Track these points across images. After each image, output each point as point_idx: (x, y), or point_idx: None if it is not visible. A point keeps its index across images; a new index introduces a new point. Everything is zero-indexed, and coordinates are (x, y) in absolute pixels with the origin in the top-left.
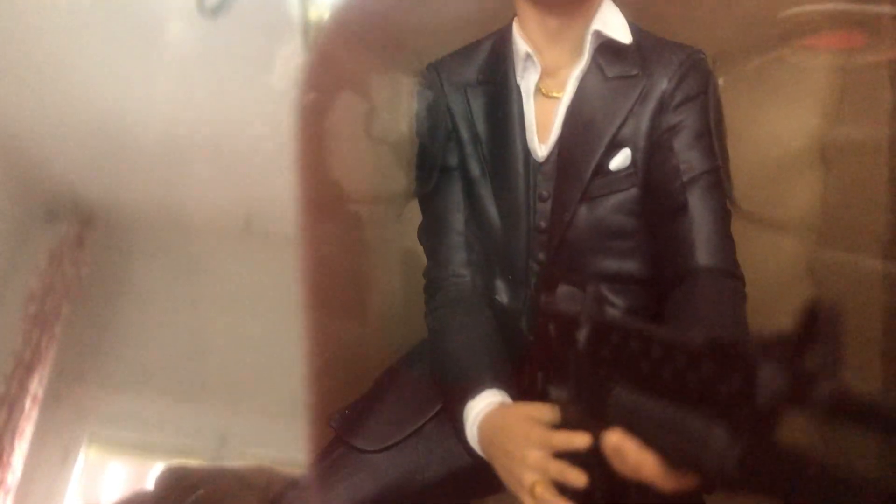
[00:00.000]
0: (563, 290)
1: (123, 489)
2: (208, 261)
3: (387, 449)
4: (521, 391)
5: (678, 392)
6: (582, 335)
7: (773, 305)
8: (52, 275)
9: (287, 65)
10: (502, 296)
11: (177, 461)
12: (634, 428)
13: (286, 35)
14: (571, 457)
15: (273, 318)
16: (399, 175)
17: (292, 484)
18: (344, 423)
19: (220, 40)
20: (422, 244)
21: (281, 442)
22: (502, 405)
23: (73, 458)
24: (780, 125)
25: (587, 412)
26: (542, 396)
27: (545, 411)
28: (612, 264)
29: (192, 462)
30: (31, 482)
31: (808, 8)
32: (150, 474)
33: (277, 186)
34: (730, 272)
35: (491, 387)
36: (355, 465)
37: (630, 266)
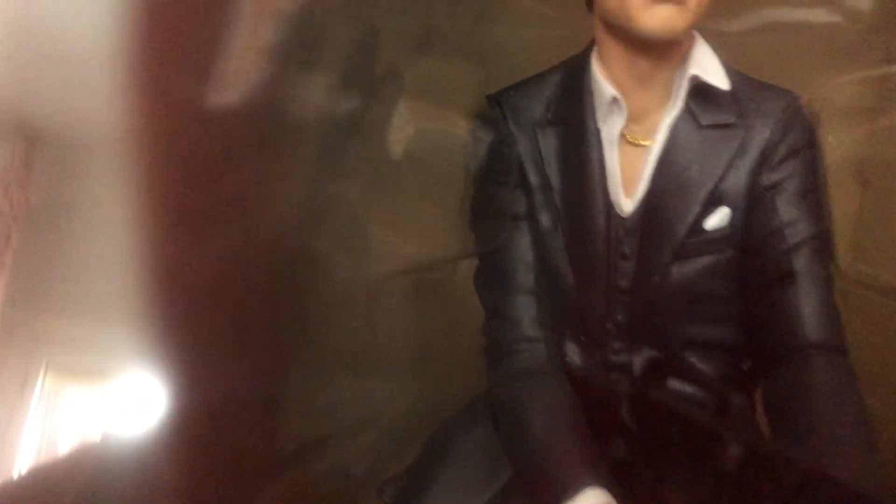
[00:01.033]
0: (675, 384)
1: (82, 415)
2: None
3: None
4: (623, 489)
5: None
6: (731, 456)
7: None
8: None
9: None
10: (574, 358)
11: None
12: None
13: None
14: None
15: None
16: (458, 234)
17: None
18: (398, 496)
19: None
20: (480, 296)
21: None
22: None
23: (30, 386)
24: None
25: None
26: (652, 501)
27: None
28: (700, 330)
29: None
30: None
31: None
32: (108, 400)
33: None
34: (840, 348)
35: (591, 485)
36: None
37: (720, 332)
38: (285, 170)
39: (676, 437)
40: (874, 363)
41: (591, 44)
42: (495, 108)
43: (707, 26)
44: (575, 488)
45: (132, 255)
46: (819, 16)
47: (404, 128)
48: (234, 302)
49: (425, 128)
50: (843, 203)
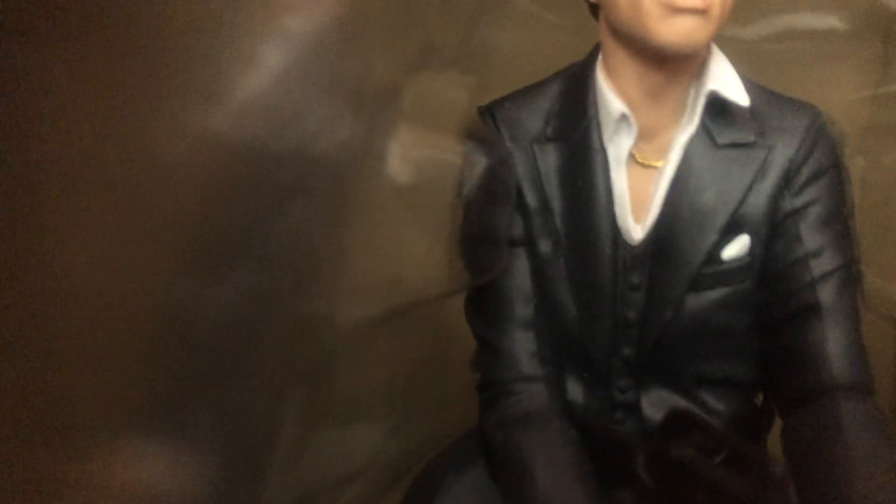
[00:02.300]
0: (698, 437)
1: None
2: None
3: None
4: None
5: None
6: None
7: None
8: None
9: None
10: (576, 396)
11: None
12: None
13: None
14: None
15: None
16: (454, 267)
17: None
18: None
19: None
20: (471, 325)
21: None
22: None
23: None
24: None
25: None
26: None
27: None
28: (715, 366)
29: None
30: None
31: None
32: None
33: None
34: (869, 390)
35: None
36: None
37: (735, 369)
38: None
39: (701, 501)
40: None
41: (595, 50)
42: (488, 121)
43: (721, 33)
44: None
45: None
46: (837, 23)
47: (392, 155)
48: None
49: (414, 154)
50: None
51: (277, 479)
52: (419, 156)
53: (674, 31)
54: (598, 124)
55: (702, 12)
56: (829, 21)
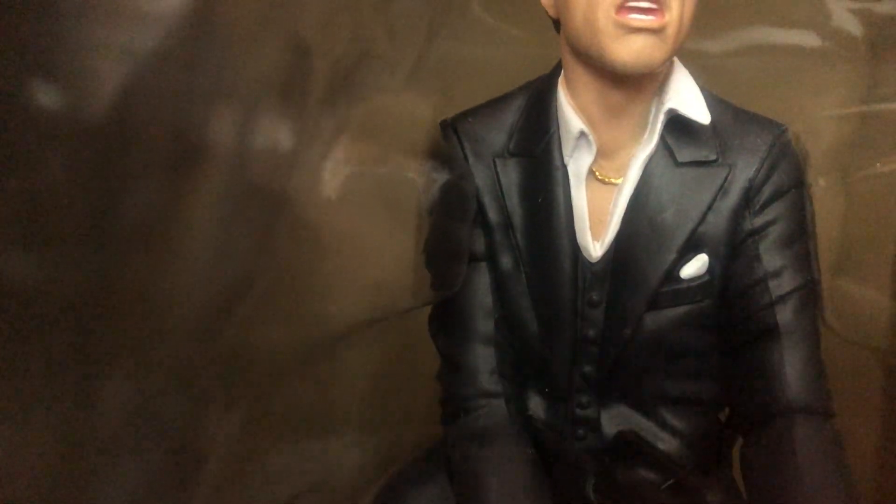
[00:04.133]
0: (645, 462)
1: None
2: None
3: None
4: None
5: None
6: None
7: None
8: None
9: None
10: (537, 411)
11: None
12: None
13: None
14: None
15: None
16: (413, 283)
17: None
18: None
19: None
20: (434, 342)
21: None
22: None
23: None
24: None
25: None
26: None
27: None
28: (675, 384)
29: None
30: None
31: None
32: None
33: None
34: (827, 412)
35: None
36: None
37: (696, 387)
38: (202, 207)
39: None
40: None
41: (559, 65)
42: (451, 136)
43: (686, 46)
44: None
45: None
46: (808, 39)
47: (347, 168)
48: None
49: (369, 172)
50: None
51: (213, 496)
52: (377, 169)
53: (629, 50)
54: (559, 141)
55: (657, 31)
56: (799, 37)
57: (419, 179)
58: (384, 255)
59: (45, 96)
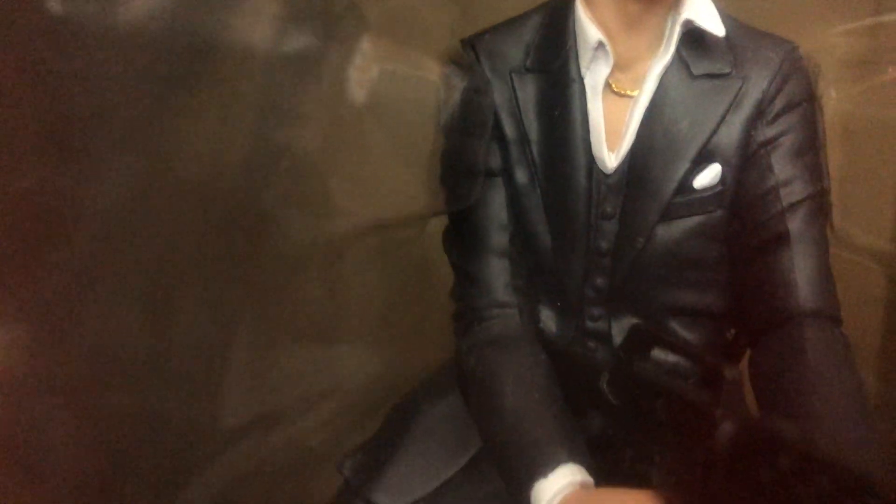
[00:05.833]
0: (659, 354)
1: None
2: None
3: None
4: (594, 457)
5: None
6: (723, 436)
7: None
8: None
9: None
10: (549, 325)
11: None
12: None
13: None
14: None
15: None
16: (426, 189)
17: None
18: (358, 470)
19: None
20: (449, 257)
21: None
22: (583, 486)
23: None
24: None
25: None
26: (632, 478)
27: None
28: (685, 296)
29: None
30: None
31: None
32: None
33: None
34: (835, 317)
35: (567, 461)
36: None
37: (706, 299)
38: (210, 106)
39: (660, 412)
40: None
41: None
42: (469, 52)
43: None
44: (550, 465)
45: None
46: None
47: (367, 69)
48: (152, 256)
49: (391, 70)
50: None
51: (233, 398)
52: (397, 70)
53: None
54: (577, 54)
55: None
56: None
57: (440, 84)
58: (402, 157)
59: None
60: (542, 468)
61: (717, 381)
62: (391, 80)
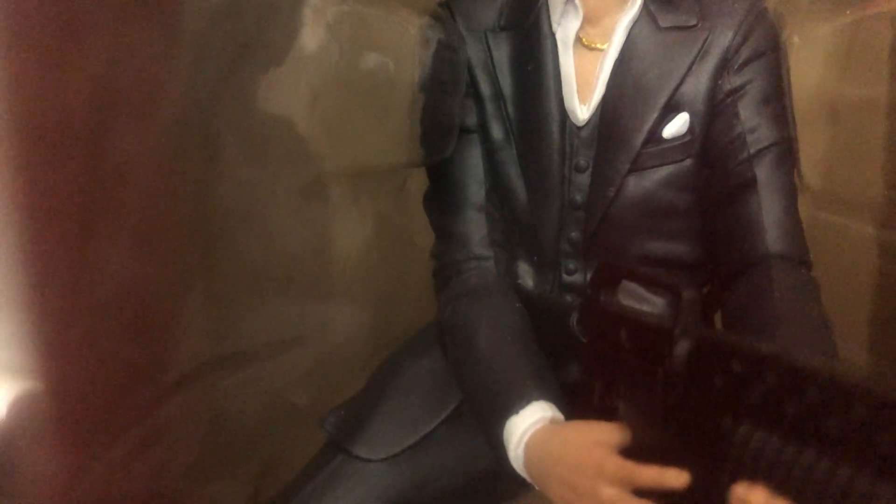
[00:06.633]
0: (628, 286)
1: None
2: None
3: (394, 457)
4: (571, 404)
5: (819, 437)
6: (680, 352)
7: None
8: None
9: None
10: (526, 279)
11: None
12: (769, 478)
13: None
14: (653, 495)
15: None
16: (400, 139)
17: (280, 498)
18: (341, 425)
19: None
20: (429, 217)
21: None
22: (553, 422)
23: None
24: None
25: (686, 445)
26: (601, 413)
27: (615, 435)
28: (658, 246)
29: None
30: None
31: None
32: None
33: None
34: (803, 260)
35: (538, 399)
36: (357, 478)
37: (679, 248)
38: (156, 37)
39: (624, 341)
40: (840, 288)
41: None
42: (445, 13)
43: None
44: (521, 403)
45: None
46: None
47: (334, 10)
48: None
49: (362, 13)
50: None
51: (188, 344)
52: (371, 17)
53: None
54: (548, 11)
55: None
56: None
57: (416, 38)
58: (375, 104)
59: None
60: (513, 406)
61: (678, 304)
62: (363, 23)
